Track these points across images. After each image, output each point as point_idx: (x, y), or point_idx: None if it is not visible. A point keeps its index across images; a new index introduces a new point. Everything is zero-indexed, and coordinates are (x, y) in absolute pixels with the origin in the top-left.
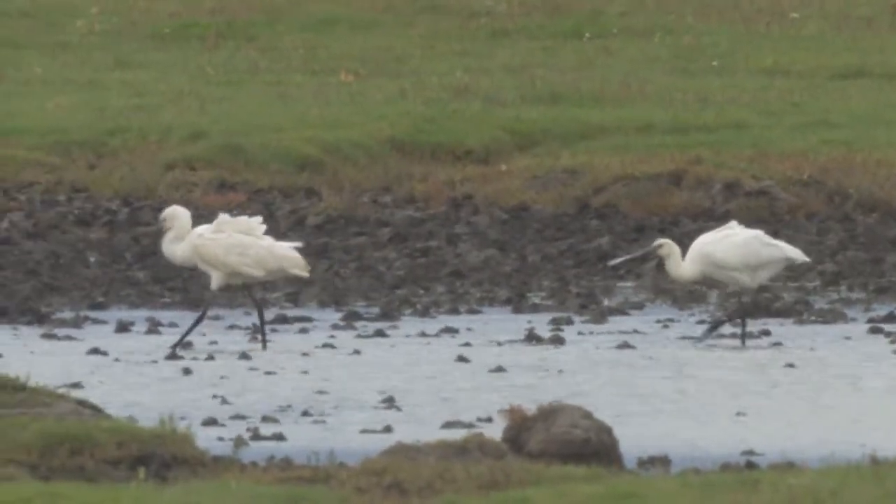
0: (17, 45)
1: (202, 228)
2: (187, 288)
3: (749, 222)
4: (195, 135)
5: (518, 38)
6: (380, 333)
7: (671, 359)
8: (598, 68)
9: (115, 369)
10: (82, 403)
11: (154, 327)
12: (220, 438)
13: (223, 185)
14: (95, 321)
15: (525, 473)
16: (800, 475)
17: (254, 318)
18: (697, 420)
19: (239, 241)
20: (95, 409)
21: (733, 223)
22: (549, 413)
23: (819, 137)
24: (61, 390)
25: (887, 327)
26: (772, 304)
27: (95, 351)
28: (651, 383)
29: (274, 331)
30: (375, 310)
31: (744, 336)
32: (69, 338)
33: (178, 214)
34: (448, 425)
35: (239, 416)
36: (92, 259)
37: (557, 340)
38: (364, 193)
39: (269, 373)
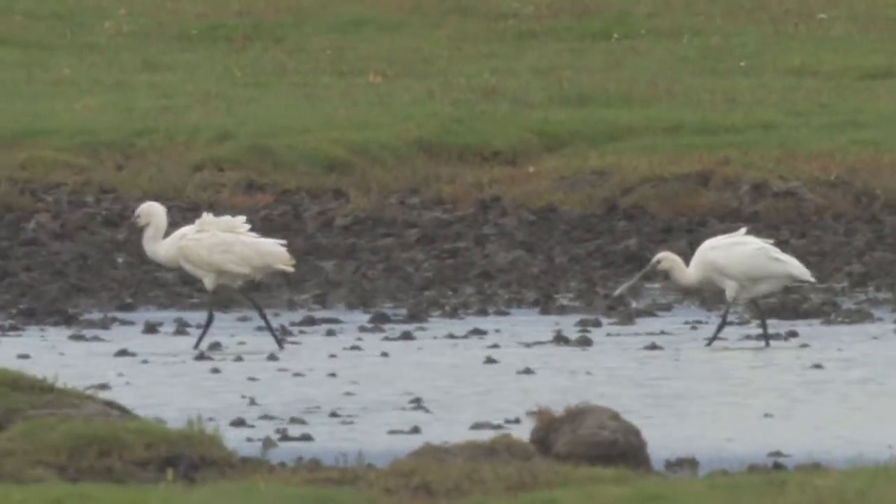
0: (45, 47)
1: (185, 229)
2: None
3: (777, 223)
4: (223, 136)
5: (546, 40)
6: (407, 335)
7: (699, 360)
8: (626, 69)
9: (144, 370)
10: (110, 404)
11: (182, 328)
12: (249, 439)
13: (251, 186)
14: (123, 322)
15: (553, 475)
16: (827, 476)
17: (281, 320)
18: (725, 422)
19: (222, 240)
20: (123, 411)
21: (742, 230)
22: (576, 414)
23: (847, 138)
24: (89, 391)
25: None
26: (799, 305)
27: (123, 352)
28: (678, 385)
29: (302, 332)
30: (403, 311)
31: (766, 336)
32: (97, 339)
33: (153, 211)
34: (476, 426)
35: (267, 417)
36: (120, 260)
37: (585, 342)
38: (392, 195)
39: (297, 374)
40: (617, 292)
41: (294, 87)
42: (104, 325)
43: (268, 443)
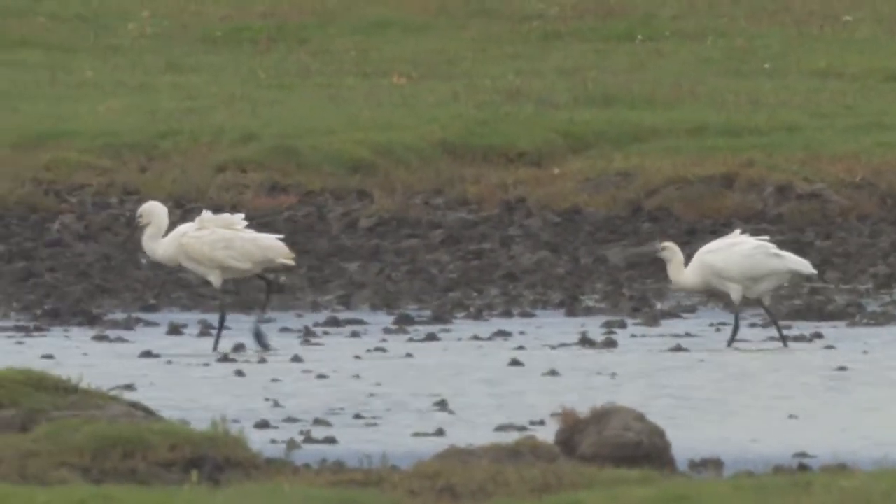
0: (68, 49)
1: (185, 227)
2: (239, 290)
3: (801, 225)
4: (246, 137)
5: (570, 41)
6: (432, 336)
7: (723, 362)
8: (651, 71)
9: (167, 371)
10: (135, 406)
11: (206, 330)
12: (273, 441)
13: (275, 187)
14: (147, 323)
15: (577, 476)
16: (852, 477)
17: (305, 321)
18: (750, 423)
19: (223, 236)
20: (148, 412)
21: (737, 232)
22: (601, 416)
23: (871, 140)
24: (113, 392)
25: None
26: (824, 307)
27: (147, 353)
28: (703, 386)
29: (326, 333)
30: (428, 313)
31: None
32: (121, 340)
33: (155, 210)
34: (500, 428)
35: (291, 419)
36: (143, 261)
37: (610, 343)
38: (416, 196)
39: (321, 376)
40: (609, 254)
41: (318, 88)
42: (128, 325)
43: (292, 444)
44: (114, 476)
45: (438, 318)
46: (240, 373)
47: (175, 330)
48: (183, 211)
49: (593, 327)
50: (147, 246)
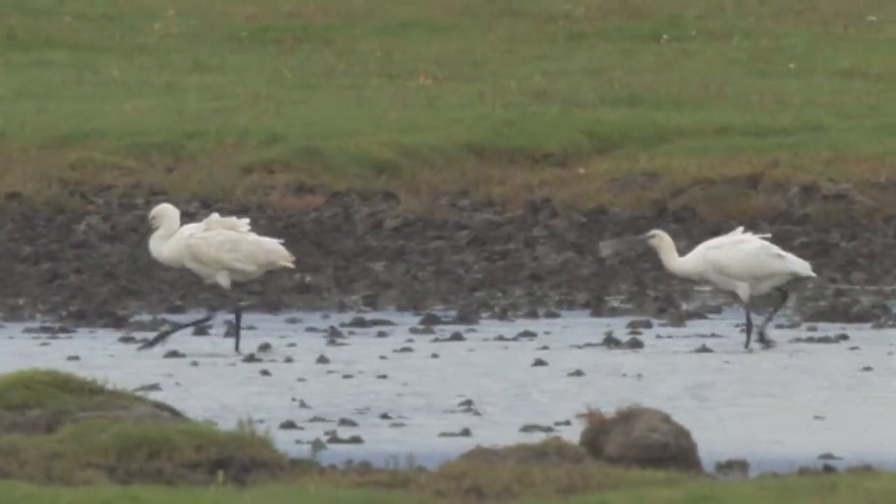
0: (94, 48)
1: (189, 229)
2: (265, 291)
3: (826, 226)
4: (272, 138)
5: (596, 41)
6: (458, 337)
7: (748, 363)
8: (677, 71)
9: (193, 372)
10: (160, 406)
11: (231, 330)
12: (299, 441)
13: (301, 188)
14: (173, 324)
15: (603, 477)
16: (877, 479)
17: (331, 321)
18: (775, 424)
19: (229, 238)
20: (173, 412)
21: (739, 230)
22: (627, 417)
23: None
24: (139, 393)
25: None
26: (850, 308)
27: (173, 354)
28: (728, 387)
29: (352, 334)
30: (453, 313)
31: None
32: (147, 341)
33: (167, 213)
34: (526, 429)
35: (317, 419)
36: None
37: (636, 344)
38: (442, 197)
39: (347, 376)
40: (601, 245)
41: (343, 89)
42: (154, 327)
43: (318, 445)
44: (139, 477)
45: (464, 319)
46: (266, 373)
47: (201, 330)
48: (210, 212)
49: (619, 328)
50: (154, 246)
